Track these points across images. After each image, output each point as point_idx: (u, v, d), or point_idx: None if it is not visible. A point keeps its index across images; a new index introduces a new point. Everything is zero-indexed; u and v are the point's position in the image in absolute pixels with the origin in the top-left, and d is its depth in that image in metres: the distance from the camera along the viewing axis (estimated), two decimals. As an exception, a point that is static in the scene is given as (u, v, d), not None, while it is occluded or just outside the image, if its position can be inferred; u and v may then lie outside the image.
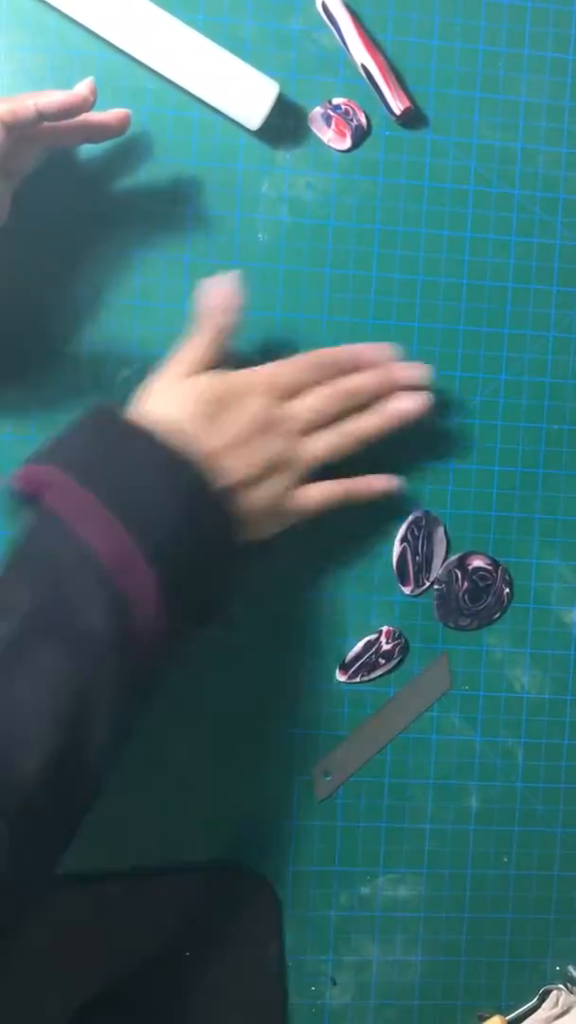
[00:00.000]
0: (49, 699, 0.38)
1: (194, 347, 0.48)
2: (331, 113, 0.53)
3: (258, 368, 0.49)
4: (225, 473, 0.45)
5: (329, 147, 0.53)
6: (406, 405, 0.50)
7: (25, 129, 0.45)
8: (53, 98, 0.45)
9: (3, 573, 0.41)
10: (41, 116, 0.44)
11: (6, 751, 0.37)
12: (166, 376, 0.48)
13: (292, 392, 0.49)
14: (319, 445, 0.49)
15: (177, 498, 0.43)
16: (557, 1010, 0.55)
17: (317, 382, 0.49)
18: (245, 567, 0.47)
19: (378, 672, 0.54)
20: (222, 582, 0.46)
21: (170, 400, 0.46)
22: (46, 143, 0.49)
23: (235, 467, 0.46)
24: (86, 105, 0.46)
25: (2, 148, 0.44)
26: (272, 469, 0.47)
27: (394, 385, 0.50)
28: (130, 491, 0.42)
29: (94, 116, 0.49)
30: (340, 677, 0.54)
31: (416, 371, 0.51)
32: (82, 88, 0.47)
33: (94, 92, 0.47)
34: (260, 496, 0.47)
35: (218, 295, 0.48)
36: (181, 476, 0.43)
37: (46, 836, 0.39)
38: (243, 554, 0.47)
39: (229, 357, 0.49)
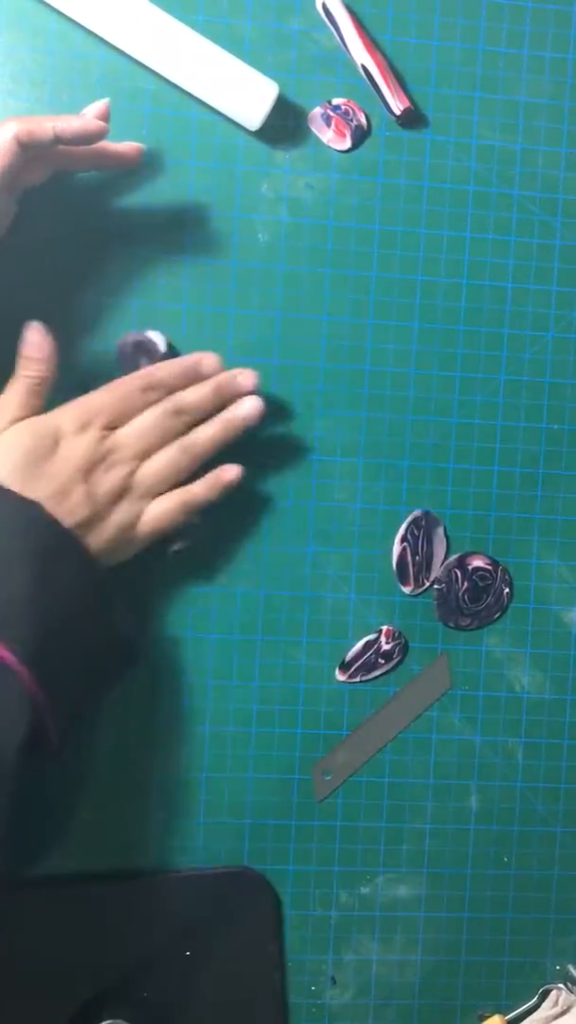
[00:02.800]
0: None
1: (9, 397, 0.47)
2: (331, 113, 0.53)
3: (76, 401, 0.48)
4: (66, 516, 0.45)
5: (329, 147, 0.53)
6: (244, 412, 0.50)
7: (40, 150, 0.45)
8: (71, 123, 0.45)
9: None
10: (57, 139, 0.45)
11: None
12: None
13: (118, 420, 0.48)
14: (158, 466, 0.48)
15: (26, 553, 0.42)
16: (557, 1010, 0.55)
17: (144, 405, 0.48)
18: (117, 597, 0.47)
19: (378, 672, 0.54)
20: (96, 627, 0.46)
21: None
22: (58, 165, 0.49)
23: (75, 507, 0.45)
24: (103, 134, 0.46)
25: (15, 166, 0.44)
26: (113, 500, 0.47)
27: (225, 397, 0.50)
28: None
29: (110, 146, 0.49)
30: (340, 677, 0.54)
31: (246, 377, 0.50)
32: (97, 113, 0.47)
33: (107, 117, 0.47)
34: (107, 528, 0.47)
35: (32, 345, 0.47)
36: (27, 531, 0.43)
37: None
38: (105, 592, 0.46)
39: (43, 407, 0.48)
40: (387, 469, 0.54)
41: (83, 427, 0.47)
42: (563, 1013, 0.55)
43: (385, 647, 0.54)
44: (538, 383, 0.55)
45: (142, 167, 0.52)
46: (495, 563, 0.55)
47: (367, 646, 0.54)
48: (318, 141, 0.53)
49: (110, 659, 0.48)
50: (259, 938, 0.53)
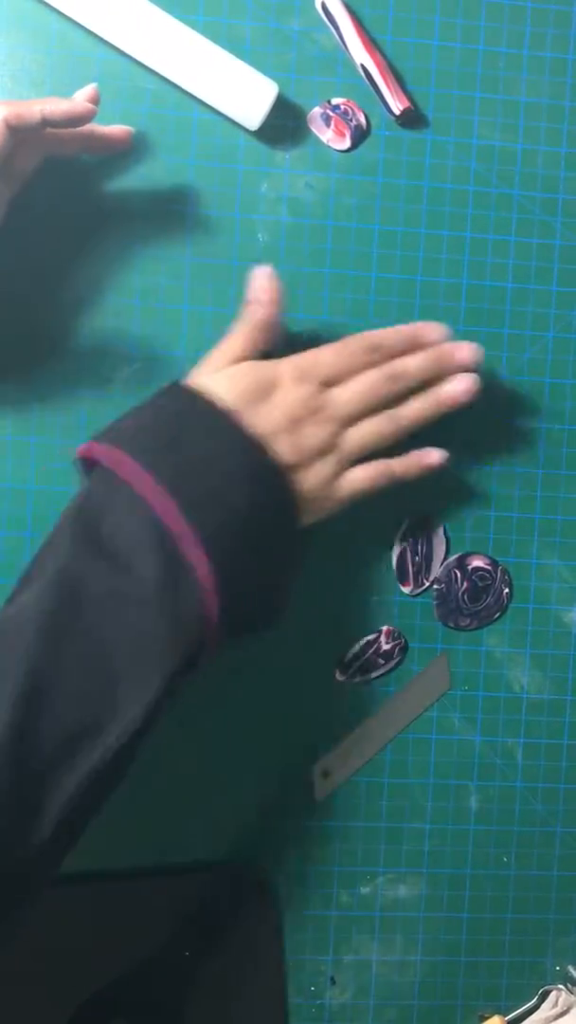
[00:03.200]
0: (90, 665, 0.39)
1: (237, 337, 0.48)
2: (330, 113, 0.53)
3: (301, 354, 0.48)
4: (275, 456, 0.45)
5: (328, 147, 0.53)
6: (457, 389, 0.49)
7: (28, 133, 0.45)
8: (59, 106, 0.45)
9: (53, 530, 0.43)
10: (46, 122, 0.45)
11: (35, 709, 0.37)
12: (209, 364, 0.48)
13: (336, 378, 0.48)
14: (364, 432, 0.48)
15: (239, 477, 0.43)
16: (557, 1010, 0.55)
17: (364, 366, 0.49)
18: (302, 559, 0.47)
19: (378, 672, 0.54)
20: (282, 569, 0.46)
21: (214, 389, 0.46)
22: (47, 149, 0.49)
23: (281, 451, 0.46)
24: (90, 116, 0.46)
25: (5, 150, 0.44)
26: (317, 455, 0.47)
27: (444, 368, 0.49)
28: (192, 472, 0.42)
29: (99, 129, 0.50)
30: (340, 677, 0.54)
31: (467, 352, 0.50)
32: (87, 96, 0.47)
33: (97, 101, 0.47)
34: (306, 481, 0.47)
35: (259, 288, 0.48)
36: (247, 453, 0.44)
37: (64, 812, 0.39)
38: (300, 540, 0.47)
39: (276, 347, 0.49)
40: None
41: (302, 379, 0.47)
42: (563, 1013, 0.55)
43: (385, 647, 0.54)
44: (538, 383, 0.55)
45: (142, 166, 0.52)
46: (495, 563, 0.55)
47: (367, 646, 0.54)
48: (318, 141, 0.53)
49: (270, 606, 0.47)
50: (259, 938, 0.53)
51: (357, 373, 0.48)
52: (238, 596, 0.43)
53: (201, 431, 0.44)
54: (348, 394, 0.48)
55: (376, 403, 0.48)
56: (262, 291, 0.48)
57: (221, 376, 0.47)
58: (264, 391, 0.46)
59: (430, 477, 0.54)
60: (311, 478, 0.47)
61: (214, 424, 0.44)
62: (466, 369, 0.50)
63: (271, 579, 0.46)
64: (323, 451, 0.47)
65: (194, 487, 0.42)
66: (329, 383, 0.48)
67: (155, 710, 0.40)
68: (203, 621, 0.42)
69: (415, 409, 0.49)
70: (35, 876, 0.39)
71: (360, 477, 0.48)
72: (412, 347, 0.49)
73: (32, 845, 0.37)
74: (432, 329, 0.50)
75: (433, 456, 0.50)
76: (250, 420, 0.45)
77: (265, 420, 0.46)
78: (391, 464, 0.49)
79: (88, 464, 0.45)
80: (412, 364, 0.49)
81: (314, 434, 0.47)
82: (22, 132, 0.44)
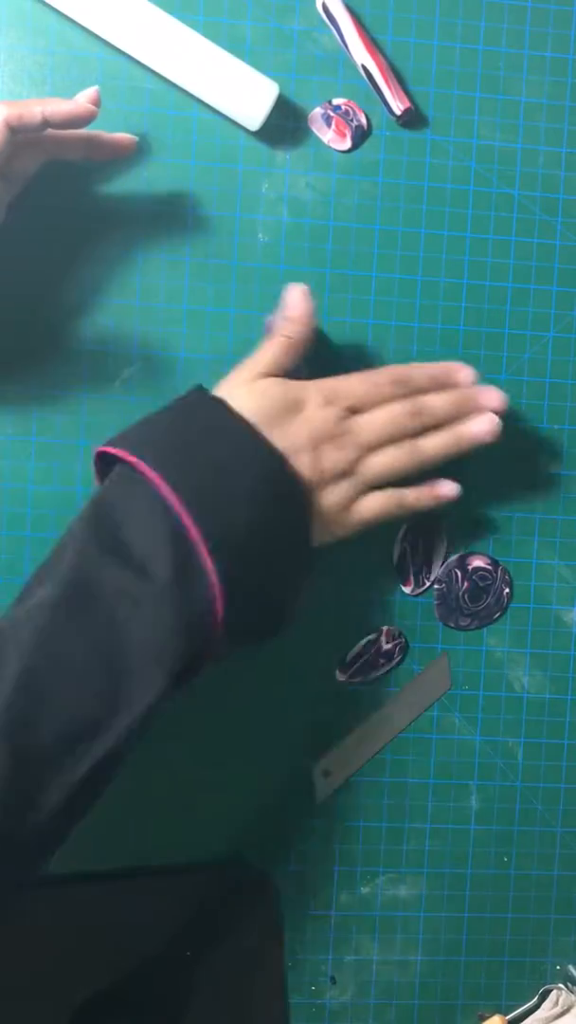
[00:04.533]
0: (95, 660, 0.39)
1: (266, 352, 0.49)
2: (331, 113, 0.53)
3: (329, 379, 0.49)
4: (294, 473, 0.46)
5: (329, 147, 0.53)
6: (479, 429, 0.50)
7: (29, 134, 0.45)
8: (60, 107, 0.45)
9: (70, 526, 0.43)
10: (47, 123, 0.45)
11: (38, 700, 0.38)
12: (235, 378, 0.48)
13: (362, 406, 0.49)
14: (384, 460, 0.49)
15: (256, 490, 0.44)
16: (557, 1010, 0.55)
17: (390, 398, 0.49)
18: (311, 577, 0.48)
19: (378, 672, 0.54)
20: (290, 584, 0.47)
21: (239, 401, 0.46)
22: (49, 152, 0.49)
23: (301, 470, 0.46)
24: (92, 117, 0.46)
25: (5, 152, 0.44)
26: (336, 478, 0.47)
27: (468, 410, 0.50)
28: (210, 481, 0.43)
29: (103, 135, 0.50)
30: (340, 677, 0.54)
31: (494, 397, 0.50)
32: (88, 98, 0.47)
33: (99, 103, 0.47)
34: (323, 502, 0.47)
35: (292, 305, 0.49)
36: (266, 467, 0.44)
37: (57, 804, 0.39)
38: (310, 559, 0.47)
39: (302, 367, 0.49)
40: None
41: (327, 402, 0.48)
42: (563, 1013, 0.55)
43: (385, 647, 0.54)
44: (538, 383, 0.55)
45: (142, 166, 0.52)
46: (495, 563, 0.55)
47: (367, 646, 0.54)
48: (318, 141, 0.53)
49: (274, 618, 0.47)
50: (259, 938, 0.53)
51: (383, 403, 0.49)
52: (244, 606, 0.43)
53: (223, 442, 0.44)
54: (371, 422, 0.48)
55: (397, 434, 0.49)
56: (296, 309, 0.49)
57: (248, 390, 0.47)
58: (289, 409, 0.47)
59: (431, 477, 0.55)
60: (328, 499, 0.47)
61: (237, 436, 0.45)
62: (490, 411, 0.50)
63: (278, 593, 0.46)
64: (342, 475, 0.48)
65: (212, 496, 0.43)
66: (354, 410, 0.48)
67: (157, 708, 0.41)
68: (209, 627, 0.42)
69: (436, 444, 0.49)
70: (29, 866, 0.39)
71: (374, 504, 0.49)
72: (439, 386, 0.50)
73: (30, 831, 0.38)
74: (461, 371, 0.50)
75: (446, 488, 0.51)
76: (273, 436, 0.45)
77: (288, 438, 0.46)
78: (405, 493, 0.50)
79: (105, 464, 0.45)
80: (437, 402, 0.49)
81: (335, 457, 0.47)
82: (23, 133, 0.45)
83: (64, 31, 0.51)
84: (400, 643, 0.54)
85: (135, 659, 0.40)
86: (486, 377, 0.55)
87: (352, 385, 0.49)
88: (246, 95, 0.51)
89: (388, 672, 0.55)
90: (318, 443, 0.47)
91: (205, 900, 0.53)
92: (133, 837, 0.53)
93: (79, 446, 0.52)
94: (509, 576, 0.55)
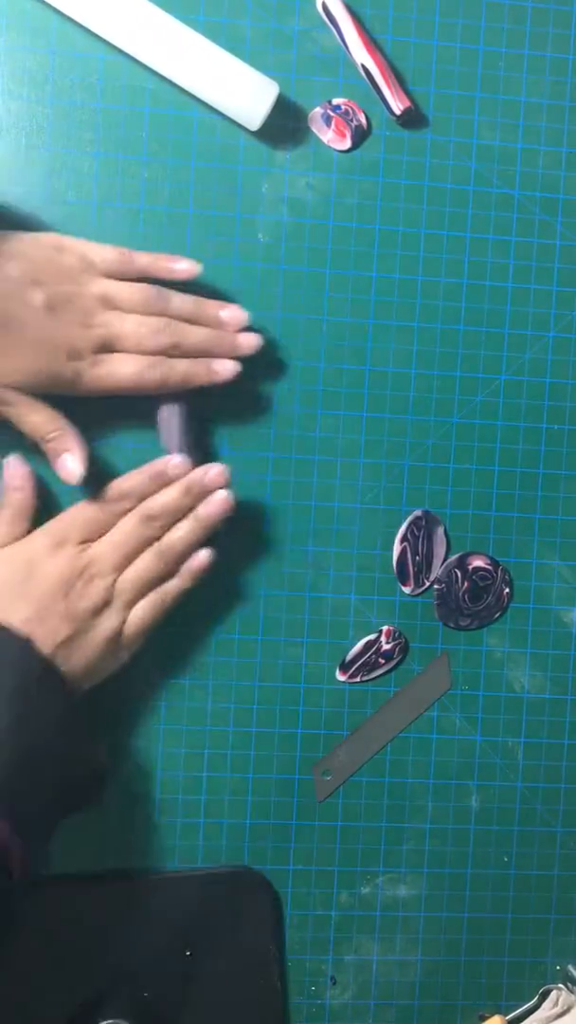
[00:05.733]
0: None
1: None
2: (331, 113, 0.53)
3: (51, 522, 0.48)
4: (49, 636, 0.45)
5: (329, 147, 0.53)
6: (212, 510, 0.49)
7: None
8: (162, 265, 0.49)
9: None
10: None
11: None
12: None
13: (92, 535, 0.48)
14: (136, 575, 0.48)
15: (8, 688, 0.42)
16: (557, 1010, 0.55)
17: (117, 516, 0.49)
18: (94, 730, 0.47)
19: (378, 672, 0.54)
20: (73, 762, 0.46)
21: None
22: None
23: (57, 627, 0.46)
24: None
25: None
26: (96, 613, 0.47)
27: (196, 496, 0.49)
28: None
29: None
30: (340, 677, 0.54)
31: (214, 476, 0.49)
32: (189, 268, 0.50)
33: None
34: (93, 642, 0.47)
35: (12, 475, 0.49)
36: (9, 661, 0.43)
37: None
38: (81, 724, 0.46)
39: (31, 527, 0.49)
40: (387, 469, 0.54)
41: (58, 546, 0.47)
42: (563, 1013, 0.55)
43: (385, 647, 0.54)
44: (538, 383, 0.55)
45: (142, 166, 0.52)
46: (495, 563, 0.55)
47: (367, 646, 0.54)
48: (318, 141, 0.53)
49: (77, 792, 0.47)
50: (259, 938, 0.53)
51: (111, 524, 0.49)
52: (38, 821, 0.43)
53: None
54: (109, 546, 0.48)
55: (139, 545, 0.49)
56: (14, 477, 0.48)
57: None
58: (24, 571, 0.46)
59: (431, 477, 0.55)
60: (95, 640, 0.47)
61: None
62: (218, 489, 0.49)
63: (67, 769, 0.45)
64: (101, 607, 0.47)
65: None
66: (87, 540, 0.48)
67: None
68: (8, 861, 0.41)
69: (180, 539, 0.49)
70: None
71: (143, 615, 0.49)
72: (158, 485, 0.49)
73: None
74: (172, 463, 0.49)
75: (201, 558, 0.50)
76: (17, 606, 0.45)
77: (32, 600, 0.45)
78: (166, 589, 0.49)
79: None
80: (163, 501, 0.49)
81: (87, 594, 0.47)
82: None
83: (64, 31, 0.51)
84: (400, 643, 0.54)
85: None
86: (486, 377, 0.55)
87: (75, 518, 0.48)
88: (246, 95, 0.51)
89: (388, 672, 0.55)
90: (66, 590, 0.46)
91: (205, 900, 0.53)
92: (133, 837, 0.53)
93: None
94: (509, 576, 0.55)
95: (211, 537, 0.50)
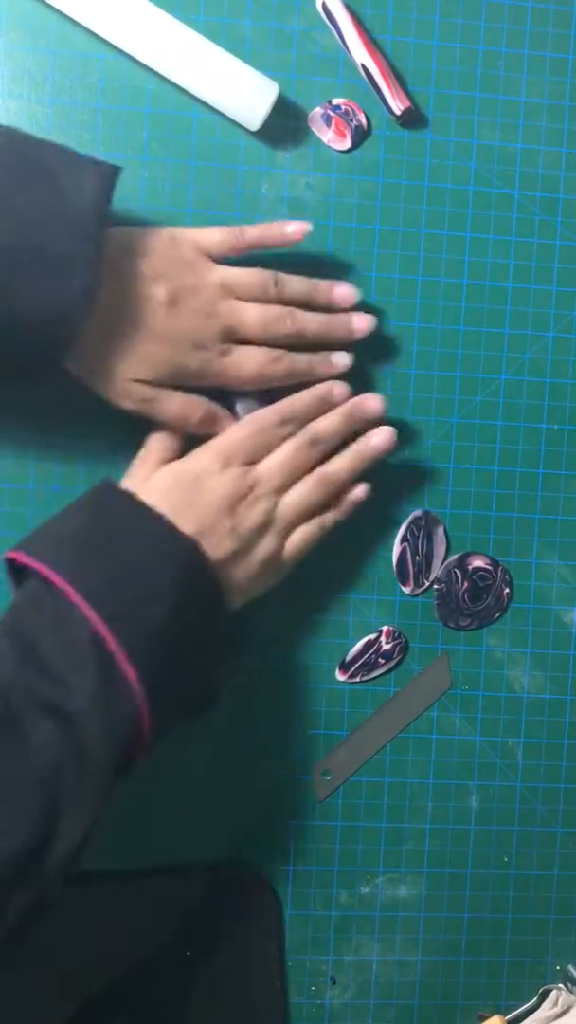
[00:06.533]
0: (29, 781, 0.39)
1: (149, 447, 0.49)
2: (331, 113, 0.53)
3: (218, 439, 0.49)
4: (213, 550, 0.46)
5: (329, 147, 0.53)
6: (377, 443, 0.51)
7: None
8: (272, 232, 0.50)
9: None
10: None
11: None
12: (136, 475, 0.49)
13: (258, 455, 0.49)
14: (298, 499, 0.49)
15: (171, 584, 0.43)
16: (557, 1010, 0.55)
17: (282, 439, 0.49)
18: (235, 645, 0.48)
19: (378, 672, 0.54)
20: (213, 666, 0.47)
21: (144, 496, 0.46)
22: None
23: (222, 543, 0.46)
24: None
25: None
26: (259, 534, 0.48)
27: (357, 422, 0.51)
28: (122, 582, 0.42)
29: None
30: (340, 677, 0.54)
31: (374, 404, 0.51)
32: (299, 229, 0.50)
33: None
34: (253, 561, 0.48)
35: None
36: (178, 558, 0.44)
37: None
38: (230, 637, 0.48)
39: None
40: (387, 469, 0.54)
41: (225, 465, 0.48)
42: (563, 1013, 0.55)
43: (385, 647, 0.54)
44: (538, 383, 0.55)
45: (142, 166, 0.52)
46: (495, 563, 0.55)
47: (367, 646, 0.54)
48: (318, 141, 0.53)
49: (202, 699, 0.48)
50: (259, 938, 0.53)
51: (275, 446, 0.49)
52: (170, 703, 0.44)
53: (134, 537, 0.44)
54: (274, 467, 0.49)
55: (302, 469, 0.50)
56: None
57: (149, 485, 0.47)
58: (193, 486, 0.47)
59: (431, 477, 0.55)
60: (256, 559, 0.48)
61: (147, 529, 0.44)
62: (379, 420, 0.51)
63: (203, 679, 0.46)
64: (264, 528, 0.48)
65: (126, 599, 0.42)
66: (252, 461, 0.49)
67: (93, 825, 0.41)
68: (136, 733, 0.42)
69: (342, 467, 0.50)
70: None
71: (300, 541, 0.50)
72: (322, 408, 0.50)
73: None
74: (336, 389, 0.51)
75: (359, 491, 0.51)
76: (186, 518, 0.45)
77: (200, 515, 0.46)
78: (324, 519, 0.50)
79: (17, 568, 0.44)
80: (327, 425, 0.50)
81: (252, 514, 0.48)
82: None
83: (64, 31, 0.51)
84: (400, 643, 0.54)
85: (68, 781, 0.40)
86: (486, 377, 0.55)
87: (241, 438, 0.49)
88: (246, 95, 0.51)
89: (388, 672, 0.55)
90: (231, 508, 0.47)
91: (205, 900, 0.53)
92: (133, 837, 0.53)
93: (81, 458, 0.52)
94: (509, 576, 0.55)
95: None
